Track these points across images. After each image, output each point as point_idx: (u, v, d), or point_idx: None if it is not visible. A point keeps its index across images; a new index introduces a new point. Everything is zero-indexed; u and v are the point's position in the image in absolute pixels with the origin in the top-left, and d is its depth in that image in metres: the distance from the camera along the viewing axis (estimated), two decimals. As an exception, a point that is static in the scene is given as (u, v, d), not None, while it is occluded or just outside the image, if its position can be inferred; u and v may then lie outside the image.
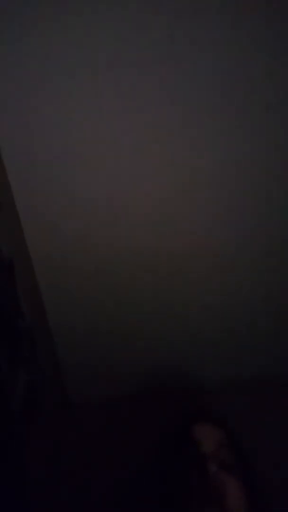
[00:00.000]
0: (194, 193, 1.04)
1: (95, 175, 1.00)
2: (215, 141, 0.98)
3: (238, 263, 1.14)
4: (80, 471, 1.08)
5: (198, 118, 0.95)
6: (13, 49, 0.87)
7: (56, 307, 1.15)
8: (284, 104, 0.95)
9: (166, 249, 1.10)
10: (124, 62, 0.89)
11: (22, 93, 0.91)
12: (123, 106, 0.93)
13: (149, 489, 0.78)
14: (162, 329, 1.20)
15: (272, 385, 1.21)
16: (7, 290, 1.01)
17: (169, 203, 1.04)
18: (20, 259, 1.06)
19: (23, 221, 1.04)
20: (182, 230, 1.08)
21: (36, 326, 1.11)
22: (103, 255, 1.09)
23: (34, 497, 0.96)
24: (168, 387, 1.23)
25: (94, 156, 0.98)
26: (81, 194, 1.02)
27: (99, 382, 1.25)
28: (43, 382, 1.13)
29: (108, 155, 0.98)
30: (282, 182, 1.04)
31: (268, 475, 0.89)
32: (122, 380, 1.24)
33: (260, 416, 1.12)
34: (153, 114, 0.94)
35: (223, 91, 0.93)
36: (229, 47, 0.89)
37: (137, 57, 0.89)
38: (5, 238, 1.00)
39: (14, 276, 1.03)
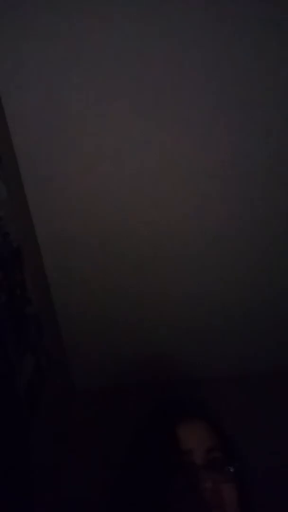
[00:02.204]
0: (195, 177, 1.05)
1: (100, 163, 1.02)
2: (215, 139, 1.00)
3: (240, 255, 1.15)
4: (82, 455, 1.09)
5: (199, 115, 0.97)
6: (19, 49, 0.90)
7: (62, 294, 1.17)
8: (285, 104, 0.97)
9: (169, 238, 1.12)
10: (124, 63, 0.91)
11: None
12: (124, 100, 0.95)
13: (135, 488, 0.77)
14: (165, 318, 1.22)
15: (268, 378, 1.22)
16: (15, 277, 1.02)
17: (173, 186, 1.06)
18: (28, 246, 1.07)
19: (32, 209, 1.05)
20: (186, 216, 1.09)
21: (43, 312, 1.13)
22: (109, 245, 1.11)
23: (38, 479, 0.98)
24: (166, 376, 1.25)
25: (100, 145, 1.00)
26: (88, 182, 1.04)
27: (104, 368, 1.27)
28: (49, 367, 1.15)
29: (114, 142, 1.00)
30: (281, 177, 1.05)
31: (258, 467, 0.90)
32: (126, 367, 1.25)
33: (252, 408, 1.14)
34: (152, 109, 0.96)
35: (223, 91, 0.95)
36: (230, 46, 0.90)
37: (138, 57, 0.91)
38: (14, 225, 1.01)
39: (22, 262, 1.05)
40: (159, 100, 0.95)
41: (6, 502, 0.88)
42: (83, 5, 0.86)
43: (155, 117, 0.97)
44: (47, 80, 0.93)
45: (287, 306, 1.22)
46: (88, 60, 0.91)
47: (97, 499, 0.98)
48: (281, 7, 0.87)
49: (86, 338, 1.23)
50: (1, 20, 0.88)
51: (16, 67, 0.92)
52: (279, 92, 0.95)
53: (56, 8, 0.87)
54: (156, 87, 0.94)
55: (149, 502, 0.71)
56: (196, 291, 1.19)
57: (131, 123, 0.97)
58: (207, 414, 0.83)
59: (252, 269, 1.17)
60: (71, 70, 0.92)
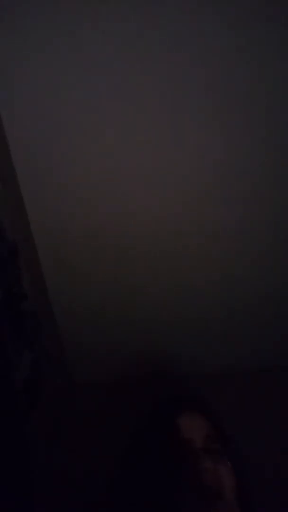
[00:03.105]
0: (196, 177, 1.04)
1: (97, 158, 1.01)
2: (215, 139, 0.99)
3: (240, 253, 1.14)
4: (80, 452, 1.09)
5: (199, 114, 0.97)
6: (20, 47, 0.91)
7: (60, 290, 1.16)
8: (285, 105, 0.96)
9: (168, 234, 1.11)
10: (125, 63, 0.91)
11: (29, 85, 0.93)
12: (124, 100, 0.95)
13: (139, 481, 0.77)
14: (164, 312, 1.21)
15: (269, 374, 1.22)
16: (11, 273, 1.02)
17: (172, 183, 1.05)
18: (24, 242, 1.07)
19: (28, 205, 1.05)
20: (184, 212, 1.08)
21: (40, 308, 1.13)
22: (106, 241, 1.10)
23: (36, 476, 0.97)
24: (165, 372, 1.24)
25: (98, 142, 0.99)
26: (83, 179, 1.03)
27: (102, 364, 1.26)
28: (46, 364, 1.15)
29: (113, 139, 0.99)
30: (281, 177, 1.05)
31: (254, 459, 0.90)
32: (126, 362, 1.25)
33: (252, 405, 1.13)
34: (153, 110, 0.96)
35: (224, 91, 0.94)
36: (230, 47, 0.90)
37: (138, 57, 0.91)
38: (10, 221, 1.01)
39: (19, 259, 1.05)
40: (159, 100, 0.95)
41: (5, 502, 0.87)
42: (83, 4, 0.87)
43: (155, 117, 0.97)
44: (45, 77, 0.93)
45: (288, 303, 1.21)
46: (87, 61, 0.92)
47: (98, 497, 0.98)
48: (282, 6, 0.87)
49: (84, 334, 1.23)
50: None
51: (14, 65, 0.92)
52: (280, 92, 0.95)
53: (56, 6, 0.87)
54: (156, 87, 0.94)
55: (150, 499, 0.71)
56: (196, 288, 1.19)
57: (130, 122, 0.97)
58: (205, 409, 0.84)
59: (251, 266, 1.16)
60: (70, 69, 0.93)
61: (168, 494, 0.69)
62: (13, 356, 0.98)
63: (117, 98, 0.95)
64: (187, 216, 1.09)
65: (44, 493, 0.99)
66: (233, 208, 1.08)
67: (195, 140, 1.00)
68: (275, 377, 1.20)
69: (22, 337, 1.04)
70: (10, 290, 1.00)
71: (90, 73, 0.92)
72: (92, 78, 0.93)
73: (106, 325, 1.21)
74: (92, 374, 1.26)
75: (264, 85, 0.94)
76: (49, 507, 1.00)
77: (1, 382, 0.92)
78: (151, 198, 1.06)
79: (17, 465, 0.94)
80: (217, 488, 0.68)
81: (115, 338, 1.23)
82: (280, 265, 1.16)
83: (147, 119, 0.97)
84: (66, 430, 1.13)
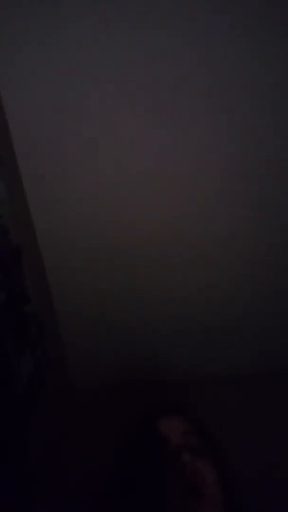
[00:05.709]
0: (196, 178, 1.05)
1: (100, 163, 1.02)
2: (216, 140, 1.00)
3: (240, 256, 1.15)
4: (81, 454, 1.09)
5: (199, 115, 0.97)
6: (19, 48, 0.91)
7: (62, 293, 1.16)
8: (285, 103, 0.97)
9: (168, 238, 1.12)
10: (125, 64, 0.92)
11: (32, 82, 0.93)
12: (124, 101, 0.95)
13: (126, 487, 0.78)
14: (164, 317, 1.22)
15: (265, 379, 1.22)
16: (14, 275, 1.02)
17: (172, 186, 1.05)
18: (28, 245, 1.07)
19: (32, 207, 1.06)
20: (184, 216, 1.09)
21: (42, 311, 1.13)
22: (109, 244, 1.11)
23: (37, 479, 0.98)
24: (165, 376, 1.25)
25: (100, 145, 1.00)
26: (86, 182, 1.04)
27: (103, 368, 1.27)
28: (48, 366, 1.15)
29: (114, 143, 1.00)
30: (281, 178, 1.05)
31: (255, 467, 0.91)
32: (126, 366, 1.26)
33: (249, 409, 1.14)
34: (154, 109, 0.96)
35: (224, 92, 0.95)
36: (229, 46, 0.91)
37: (138, 59, 0.91)
38: (13, 223, 1.02)
39: (22, 262, 1.05)
40: (160, 101, 0.96)
41: (5, 503, 0.88)
42: (84, 5, 0.87)
43: (155, 118, 0.97)
44: (48, 80, 0.94)
45: (287, 307, 1.21)
46: (88, 61, 0.92)
47: (97, 498, 0.99)
48: (282, 6, 0.87)
49: (85, 338, 1.23)
50: (1, 19, 0.89)
51: (16, 66, 0.93)
52: (280, 93, 0.96)
53: (57, 7, 0.87)
54: (156, 88, 0.94)
55: (137, 501, 0.72)
56: (196, 292, 1.19)
57: (131, 123, 0.98)
58: (185, 412, 0.86)
59: (250, 271, 1.17)
60: (71, 70, 0.93)
61: (152, 494, 0.71)
62: (14, 358, 0.99)
63: (118, 101, 0.95)
64: (188, 223, 1.09)
65: (44, 493, 0.99)
66: (235, 212, 1.08)
67: (196, 144, 1.00)
68: (275, 383, 1.21)
69: (23, 339, 1.04)
70: (13, 292, 1.00)
71: (90, 75, 0.93)
72: (93, 79, 0.93)
73: (107, 329, 1.22)
74: (93, 378, 1.26)
75: (266, 85, 0.94)
76: (49, 507, 1.01)
77: (2, 385, 0.92)
78: (153, 202, 1.07)
79: (18, 466, 0.94)
80: (197, 482, 0.69)
81: (116, 342, 1.24)
82: (281, 271, 1.16)
83: (148, 121, 0.97)
84: (66, 433, 1.13)
